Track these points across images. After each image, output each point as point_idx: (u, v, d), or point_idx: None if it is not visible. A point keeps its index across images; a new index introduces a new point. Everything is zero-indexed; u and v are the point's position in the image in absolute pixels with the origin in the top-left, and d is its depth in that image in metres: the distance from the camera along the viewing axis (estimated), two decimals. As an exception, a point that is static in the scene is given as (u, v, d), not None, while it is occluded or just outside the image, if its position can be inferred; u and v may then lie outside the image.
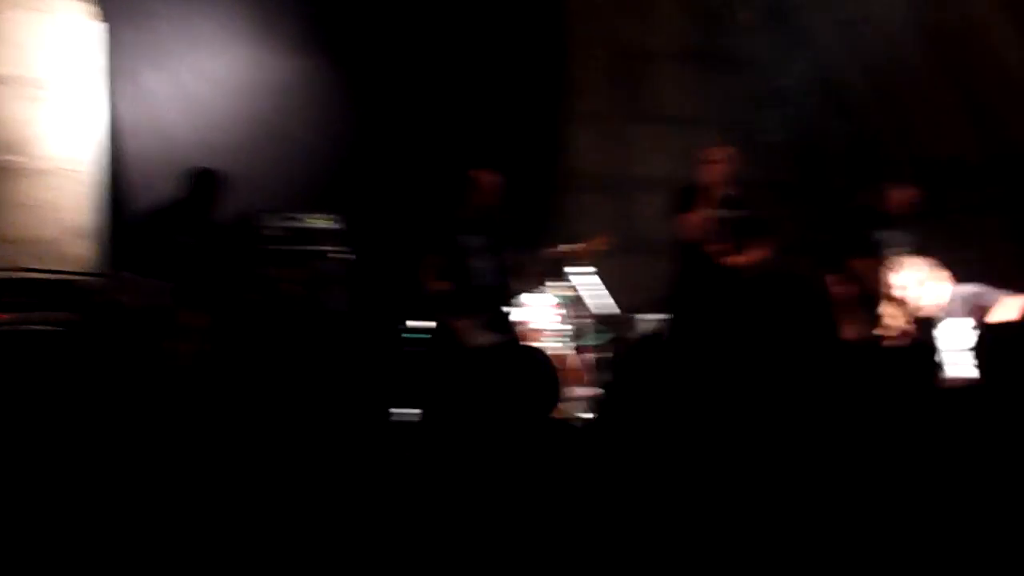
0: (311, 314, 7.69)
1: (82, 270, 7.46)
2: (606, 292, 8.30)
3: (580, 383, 7.98)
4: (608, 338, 8.42)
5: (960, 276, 8.09)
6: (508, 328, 7.41)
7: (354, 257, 8.08)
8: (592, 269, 8.19)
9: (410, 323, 7.78)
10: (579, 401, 7.94)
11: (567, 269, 8.23)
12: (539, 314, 7.88)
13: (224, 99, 8.63)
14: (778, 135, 9.97)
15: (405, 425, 5.74)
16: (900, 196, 7.70)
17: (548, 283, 8.11)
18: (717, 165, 7.41)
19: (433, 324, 7.60)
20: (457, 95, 9.31)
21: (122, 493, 3.00)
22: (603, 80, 10.07)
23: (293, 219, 8.00)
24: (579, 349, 8.12)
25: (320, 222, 8.08)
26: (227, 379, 5.93)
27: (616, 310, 8.35)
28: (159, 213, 7.22)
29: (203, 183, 7.22)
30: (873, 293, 7.52)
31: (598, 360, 8.33)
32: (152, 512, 2.92)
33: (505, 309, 7.51)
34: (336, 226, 8.10)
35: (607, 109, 10.06)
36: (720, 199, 7.46)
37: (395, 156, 9.02)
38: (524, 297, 7.77)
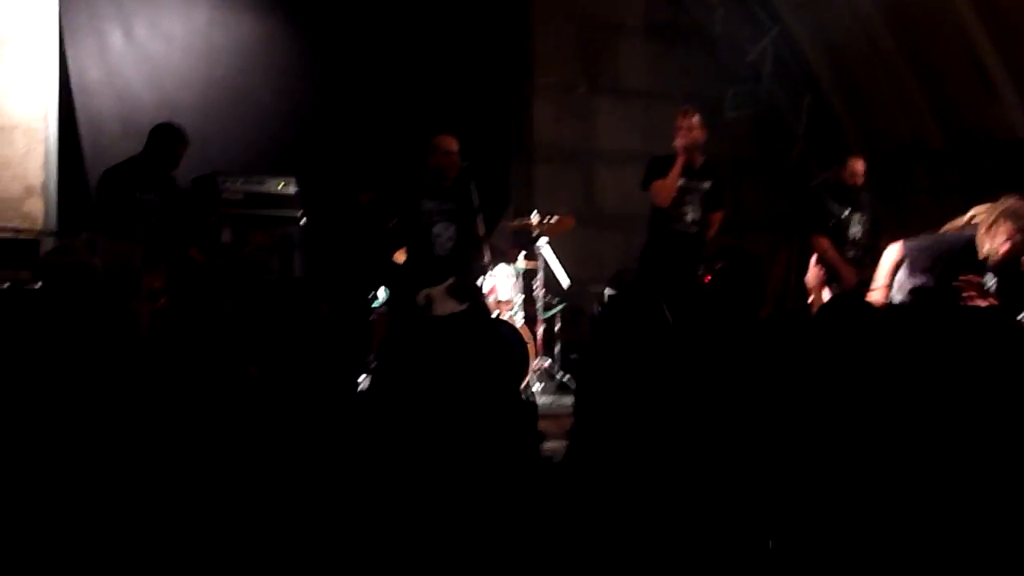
0: (271, 277, 7.60)
1: (41, 228, 7.36)
2: (560, 266, 8.29)
3: (535, 355, 7.99)
4: (561, 310, 8.42)
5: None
6: (473, 297, 7.35)
7: (311, 221, 8.00)
8: (546, 239, 8.17)
9: (378, 291, 7.72)
10: (533, 373, 7.93)
11: (528, 241, 8.22)
12: (502, 285, 7.85)
13: (183, 58, 8.49)
14: (741, 111, 9.99)
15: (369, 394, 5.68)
16: (855, 166, 7.75)
17: (508, 254, 8.08)
18: (689, 131, 7.41)
19: (396, 291, 7.55)
20: (420, 63, 9.23)
21: (85, 459, 2.93)
22: (567, 52, 10.03)
23: (253, 181, 7.89)
24: (533, 321, 8.12)
25: (280, 185, 7.98)
26: (186, 339, 5.86)
27: (568, 282, 8.34)
28: (118, 170, 7.08)
29: (163, 139, 7.07)
30: (829, 268, 7.58)
31: (549, 332, 8.33)
32: (118, 474, 2.86)
33: (469, 278, 7.46)
34: (295, 189, 8.01)
35: (571, 81, 10.03)
36: (691, 167, 7.48)
37: (356, 120, 8.93)
38: (490, 268, 7.74)
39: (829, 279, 7.64)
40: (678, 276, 7.33)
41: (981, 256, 5.46)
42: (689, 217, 7.53)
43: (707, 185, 7.58)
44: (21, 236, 6.99)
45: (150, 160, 7.08)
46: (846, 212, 7.77)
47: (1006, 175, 8.70)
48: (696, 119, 7.50)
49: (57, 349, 3.32)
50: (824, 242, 7.67)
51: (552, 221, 8.13)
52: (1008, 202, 5.45)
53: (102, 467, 2.88)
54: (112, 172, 7.06)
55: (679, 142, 7.40)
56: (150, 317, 5.95)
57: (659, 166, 7.47)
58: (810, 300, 7.64)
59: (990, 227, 5.44)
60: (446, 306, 7.03)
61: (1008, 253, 5.41)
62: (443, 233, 7.49)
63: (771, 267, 8.95)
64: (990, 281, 5.51)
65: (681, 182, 7.43)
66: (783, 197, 10.21)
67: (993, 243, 5.43)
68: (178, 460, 2.91)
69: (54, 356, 3.25)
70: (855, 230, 7.80)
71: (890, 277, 5.78)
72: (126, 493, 2.74)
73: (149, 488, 2.75)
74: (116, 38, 8.27)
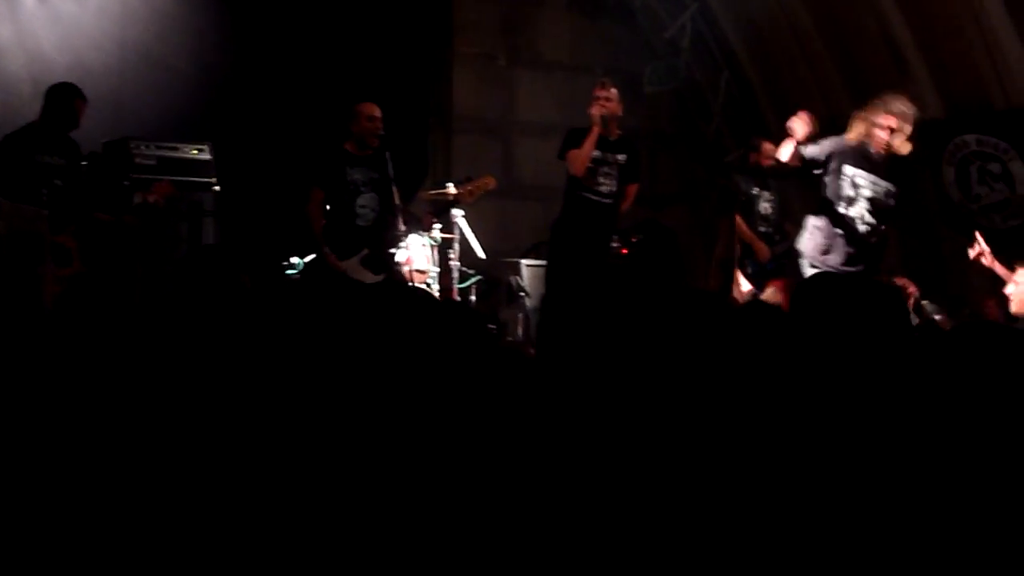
0: (181, 244, 7.51)
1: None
2: (474, 237, 8.28)
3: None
4: (474, 282, 8.42)
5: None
6: (390, 267, 7.33)
7: (225, 188, 7.92)
8: (462, 213, 8.15)
9: (293, 259, 7.66)
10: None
11: (444, 211, 8.19)
12: (418, 255, 7.83)
13: (97, 20, 8.33)
14: (660, 86, 10.04)
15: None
16: (767, 149, 7.85)
17: (424, 224, 8.05)
18: (607, 102, 7.47)
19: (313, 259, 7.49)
20: (339, 30, 9.14)
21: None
22: (489, 23, 10.00)
23: (166, 147, 7.80)
24: (448, 292, 8.11)
25: (193, 151, 7.89)
26: (98, 305, 5.77)
27: (483, 255, 8.34)
28: (16, 134, 6.94)
29: (59, 98, 6.94)
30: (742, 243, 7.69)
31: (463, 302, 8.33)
32: (39, 446, 2.81)
33: (388, 248, 7.42)
34: (209, 156, 7.92)
35: (492, 52, 10.00)
36: (606, 139, 7.53)
37: (272, 87, 8.84)
38: (404, 238, 7.70)
39: (743, 254, 7.76)
40: (590, 246, 7.39)
41: None
42: (604, 188, 7.59)
43: (622, 158, 7.64)
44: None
45: (49, 122, 6.93)
46: (755, 190, 7.89)
47: (917, 154, 8.86)
48: (613, 91, 7.56)
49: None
50: (735, 218, 7.76)
51: (472, 185, 8.09)
52: None
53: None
54: (10, 136, 6.93)
55: (595, 111, 7.45)
56: (62, 282, 5.87)
57: (576, 137, 7.52)
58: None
59: None
60: (361, 278, 7.02)
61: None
62: (368, 204, 7.47)
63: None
64: None
65: (596, 153, 7.48)
66: (699, 172, 10.30)
67: None
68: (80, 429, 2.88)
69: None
70: (764, 206, 7.93)
71: None
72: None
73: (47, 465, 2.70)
74: (30, -1, 8.10)
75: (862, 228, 6.55)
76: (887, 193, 6.53)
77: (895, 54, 8.72)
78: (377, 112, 7.44)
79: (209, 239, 7.88)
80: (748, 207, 7.86)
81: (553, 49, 10.21)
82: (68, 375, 3.07)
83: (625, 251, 7.98)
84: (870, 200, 6.50)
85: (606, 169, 7.56)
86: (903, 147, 6.38)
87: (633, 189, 7.73)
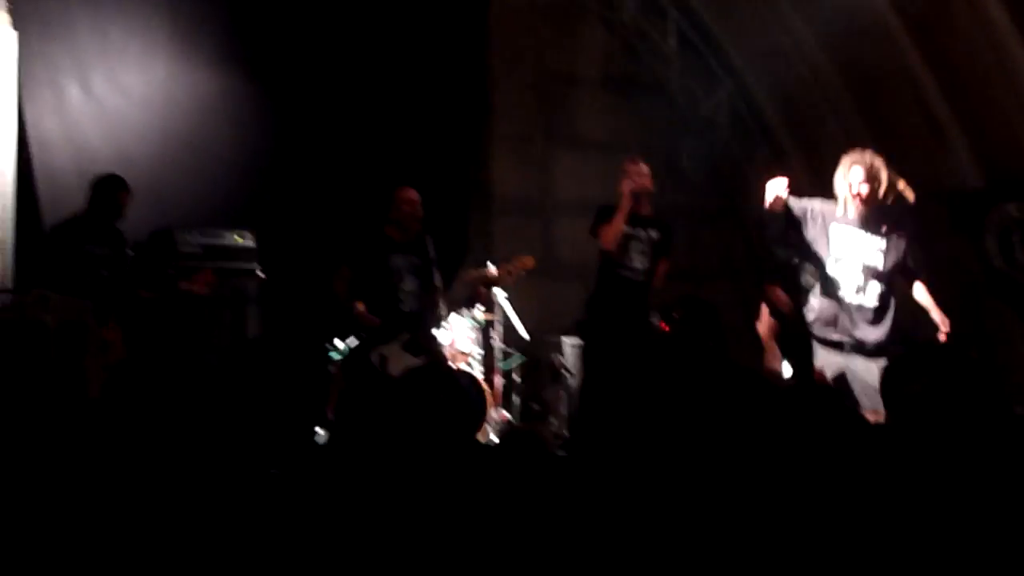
0: (227, 333, 7.57)
1: (-1, 286, 7.30)
2: (516, 317, 8.30)
3: (495, 406, 7.98)
4: (519, 362, 8.43)
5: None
6: (432, 350, 7.36)
7: (269, 275, 7.99)
8: (505, 294, 8.18)
9: (337, 342, 7.68)
10: (493, 424, 7.93)
11: (488, 292, 8.22)
12: (461, 336, 7.86)
13: (141, 112, 8.47)
14: (698, 162, 10.08)
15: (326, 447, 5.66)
16: None
17: (466, 306, 8.08)
18: (638, 177, 7.47)
19: (354, 342, 7.52)
20: (377, 115, 9.25)
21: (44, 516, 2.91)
22: (525, 103, 10.09)
23: (210, 235, 7.89)
24: (491, 372, 8.13)
25: (237, 238, 7.97)
26: (142, 395, 5.81)
27: (526, 335, 8.35)
28: (66, 224, 7.06)
29: (103, 189, 7.06)
30: (783, 317, 7.64)
31: (508, 384, 8.34)
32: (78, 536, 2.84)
33: (429, 331, 7.45)
34: (252, 243, 8.00)
35: (528, 132, 10.08)
36: (637, 215, 7.51)
37: (314, 174, 8.94)
38: (446, 319, 7.74)
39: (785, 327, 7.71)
40: (625, 323, 7.36)
41: None
42: (636, 264, 7.56)
43: (655, 234, 7.62)
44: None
45: (95, 213, 7.05)
46: (795, 260, 7.82)
47: (957, 225, 8.82)
48: (644, 167, 7.56)
49: (8, 406, 3.29)
50: (777, 290, 7.73)
51: (511, 265, 8.11)
52: None
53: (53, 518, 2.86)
54: (58, 227, 7.05)
55: (624, 186, 7.44)
56: (105, 371, 5.93)
57: (606, 213, 7.52)
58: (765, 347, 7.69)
59: None
60: (402, 362, 7.05)
61: None
62: (410, 289, 7.51)
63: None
64: None
65: (627, 229, 7.46)
66: (739, 246, 10.29)
67: None
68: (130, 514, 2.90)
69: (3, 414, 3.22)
70: (807, 278, 7.83)
71: None
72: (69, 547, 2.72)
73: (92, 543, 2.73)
74: (74, 92, 8.25)
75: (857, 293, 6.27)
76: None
77: (932, 125, 8.72)
78: (416, 197, 7.49)
79: (254, 326, 7.92)
80: (790, 278, 7.79)
81: (589, 128, 10.29)
82: (112, 463, 3.10)
83: (666, 327, 7.94)
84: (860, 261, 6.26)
85: (639, 245, 7.55)
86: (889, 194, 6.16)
87: (664, 266, 7.68)
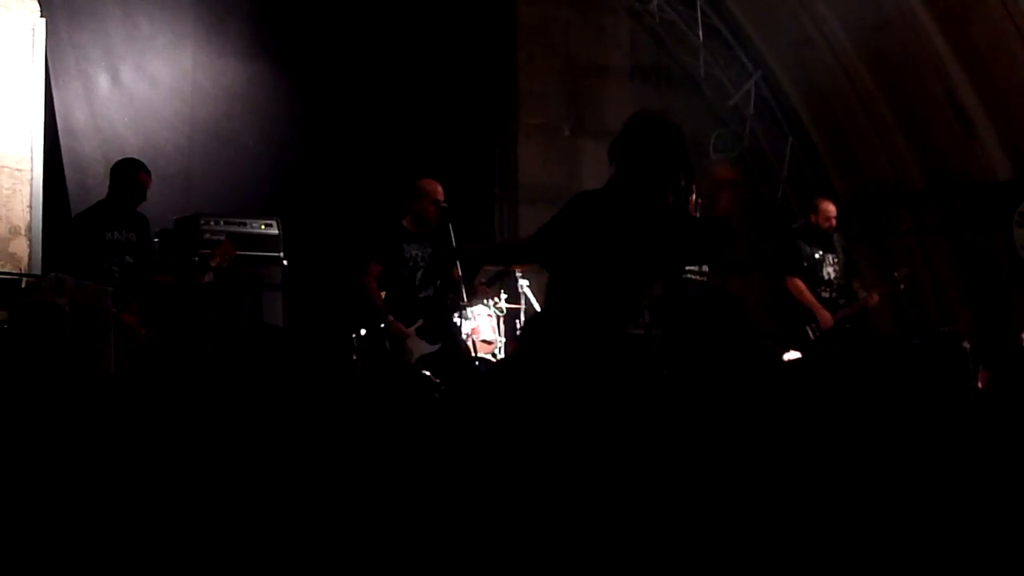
0: (244, 319, 7.58)
1: (23, 270, 7.36)
2: (540, 306, 8.28)
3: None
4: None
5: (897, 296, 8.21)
6: (444, 337, 7.34)
7: (291, 262, 8.03)
8: (527, 282, 8.17)
9: (363, 331, 7.68)
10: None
11: (510, 282, 8.22)
12: (484, 325, 7.85)
13: (169, 101, 8.53)
14: (726, 153, 10.05)
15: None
16: (826, 209, 7.78)
17: (489, 295, 8.07)
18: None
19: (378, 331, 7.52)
20: (404, 105, 9.27)
21: (53, 497, 2.93)
22: (552, 94, 10.09)
23: (235, 222, 7.91)
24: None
25: (262, 226, 7.99)
26: (164, 382, 5.85)
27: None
28: (88, 212, 7.07)
29: (124, 174, 7.01)
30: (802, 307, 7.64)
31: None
32: (91, 516, 2.86)
33: (440, 320, 7.43)
34: (277, 231, 8.02)
35: (556, 123, 10.08)
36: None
37: (340, 162, 8.97)
38: (469, 308, 7.72)
39: (806, 320, 7.69)
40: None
41: None
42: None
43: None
44: (3, 277, 7.00)
45: (116, 198, 6.98)
46: (818, 253, 7.80)
47: (986, 216, 8.76)
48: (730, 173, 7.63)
49: (22, 386, 3.32)
50: (799, 283, 7.72)
51: None
52: None
53: (65, 500, 2.89)
54: (80, 215, 7.05)
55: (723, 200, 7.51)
56: (129, 355, 5.96)
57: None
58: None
59: None
60: (416, 349, 7.06)
61: None
62: (429, 276, 7.49)
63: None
64: None
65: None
66: (766, 239, 10.24)
67: None
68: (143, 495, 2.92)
69: (18, 393, 3.25)
70: (828, 271, 7.82)
71: None
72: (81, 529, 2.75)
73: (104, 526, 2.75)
74: (102, 81, 8.31)
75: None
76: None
77: (961, 117, 8.67)
78: (440, 190, 7.45)
79: (278, 313, 7.94)
80: (812, 272, 7.78)
81: (617, 118, 10.20)
82: (129, 444, 3.13)
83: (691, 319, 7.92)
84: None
85: None
86: None
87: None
